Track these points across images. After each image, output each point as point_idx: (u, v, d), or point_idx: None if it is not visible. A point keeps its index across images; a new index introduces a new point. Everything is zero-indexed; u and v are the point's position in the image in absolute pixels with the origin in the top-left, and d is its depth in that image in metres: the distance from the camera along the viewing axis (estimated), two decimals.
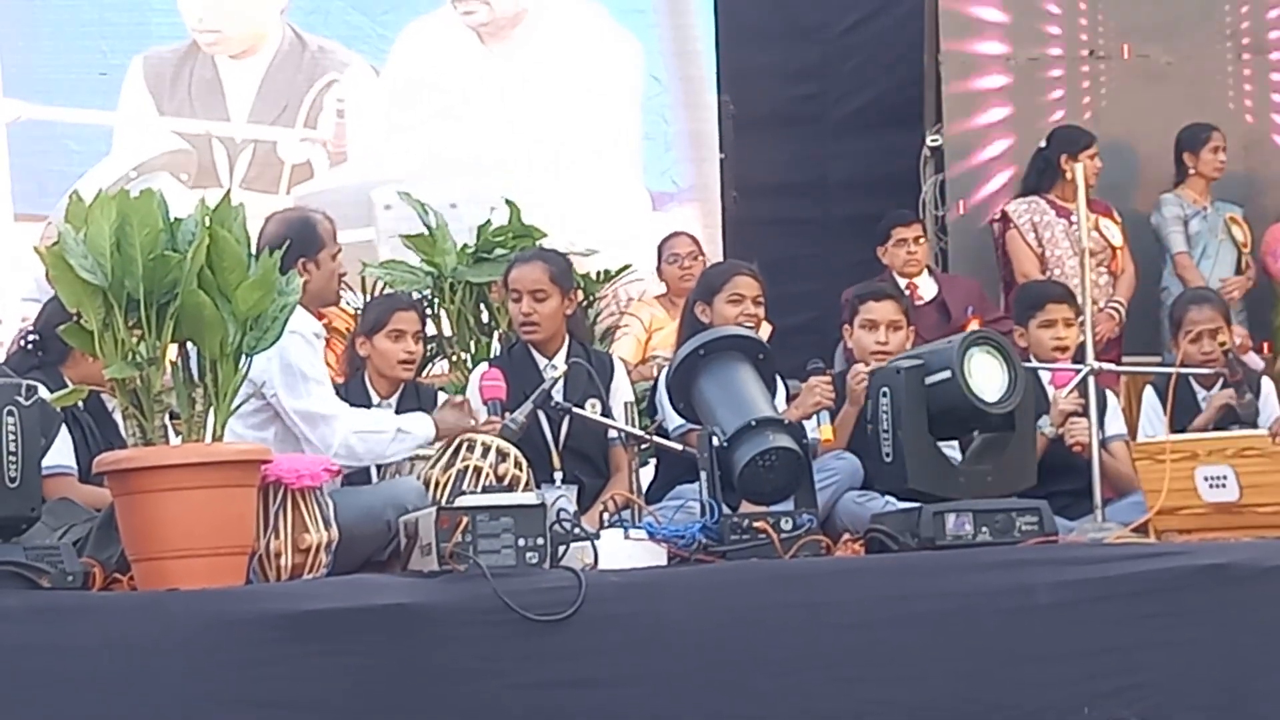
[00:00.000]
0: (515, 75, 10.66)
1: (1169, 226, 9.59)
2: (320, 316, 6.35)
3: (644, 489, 6.86)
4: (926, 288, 9.35)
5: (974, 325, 8.18)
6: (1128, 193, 10.01)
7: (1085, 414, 6.84)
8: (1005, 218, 9.53)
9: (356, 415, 6.21)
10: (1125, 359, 9.04)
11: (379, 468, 6.36)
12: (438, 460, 6.16)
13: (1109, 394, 7.44)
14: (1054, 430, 7.04)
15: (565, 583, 5.10)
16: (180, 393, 5.08)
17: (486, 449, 6.19)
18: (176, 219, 5.10)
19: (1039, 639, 5.31)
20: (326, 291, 6.37)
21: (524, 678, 5.03)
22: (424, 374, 7.81)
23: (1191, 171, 9.68)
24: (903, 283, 9.26)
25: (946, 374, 5.73)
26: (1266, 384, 7.69)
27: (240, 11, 10.49)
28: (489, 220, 8.63)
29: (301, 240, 6.08)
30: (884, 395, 5.68)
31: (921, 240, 9.40)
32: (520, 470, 6.21)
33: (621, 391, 7.03)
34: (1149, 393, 7.63)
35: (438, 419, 6.29)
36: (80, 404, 5.99)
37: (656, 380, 7.21)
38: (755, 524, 5.57)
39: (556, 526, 5.33)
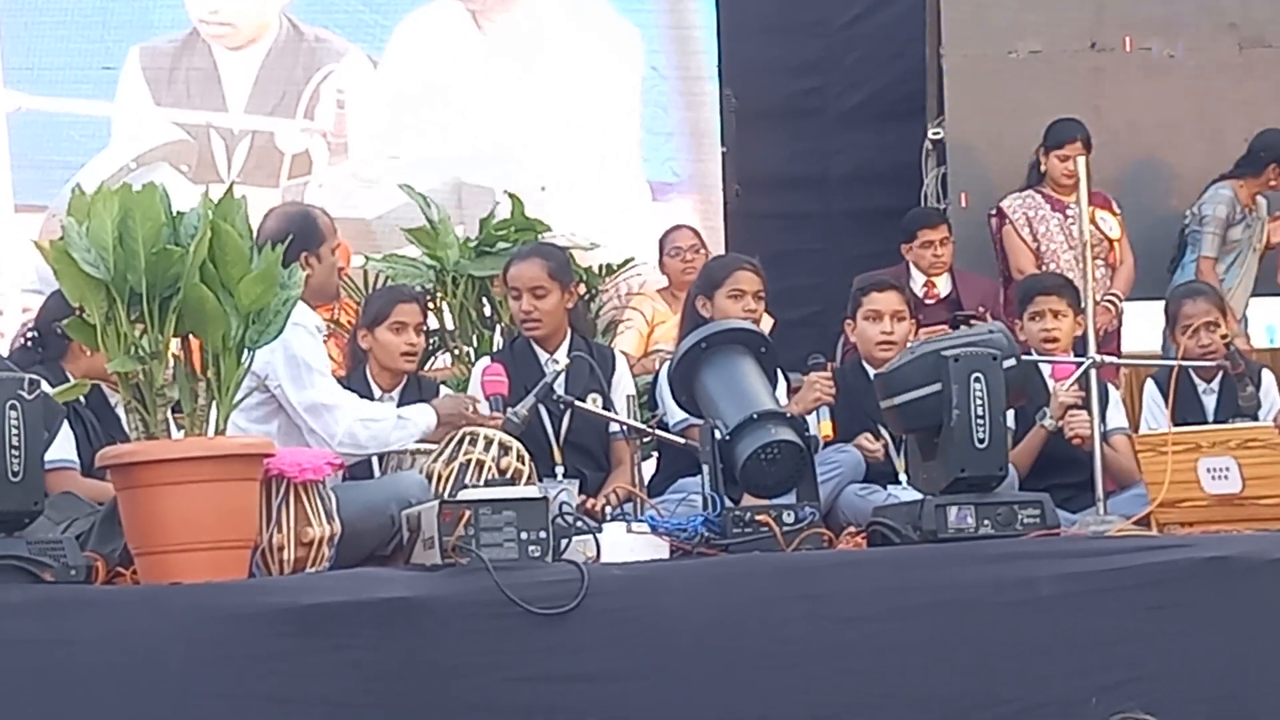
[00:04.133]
0: (514, 65, 10.66)
1: (1210, 225, 9.54)
2: (325, 310, 6.35)
3: (646, 482, 6.87)
4: (942, 283, 9.37)
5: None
6: (1130, 186, 10.02)
7: (1085, 407, 6.83)
8: (1001, 213, 9.53)
9: (359, 404, 6.23)
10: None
11: (381, 461, 6.37)
12: (440, 454, 6.16)
13: (1110, 387, 7.44)
14: (1054, 423, 7.04)
15: (567, 576, 5.09)
16: (183, 386, 5.08)
17: (489, 443, 6.18)
18: (179, 212, 5.10)
19: (1041, 632, 5.30)
20: (327, 286, 6.39)
21: (526, 671, 5.03)
22: (426, 368, 7.81)
23: (1271, 180, 9.62)
24: (921, 279, 9.28)
25: (1012, 360, 5.73)
26: (1267, 376, 7.69)
27: (249, 3, 10.48)
28: (491, 213, 8.64)
29: (303, 234, 6.09)
30: (977, 380, 5.63)
31: (948, 242, 9.41)
32: (522, 464, 6.21)
33: (623, 385, 7.03)
34: (1150, 386, 7.63)
35: (436, 405, 6.30)
36: (82, 398, 5.99)
37: (658, 374, 7.21)
38: (757, 517, 5.57)
39: (558, 520, 5.33)
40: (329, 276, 6.35)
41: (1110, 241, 9.44)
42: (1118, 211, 9.58)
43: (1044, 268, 9.20)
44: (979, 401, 5.60)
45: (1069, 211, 9.20)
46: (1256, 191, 9.68)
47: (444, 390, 7.03)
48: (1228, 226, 9.57)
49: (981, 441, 5.60)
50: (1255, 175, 9.62)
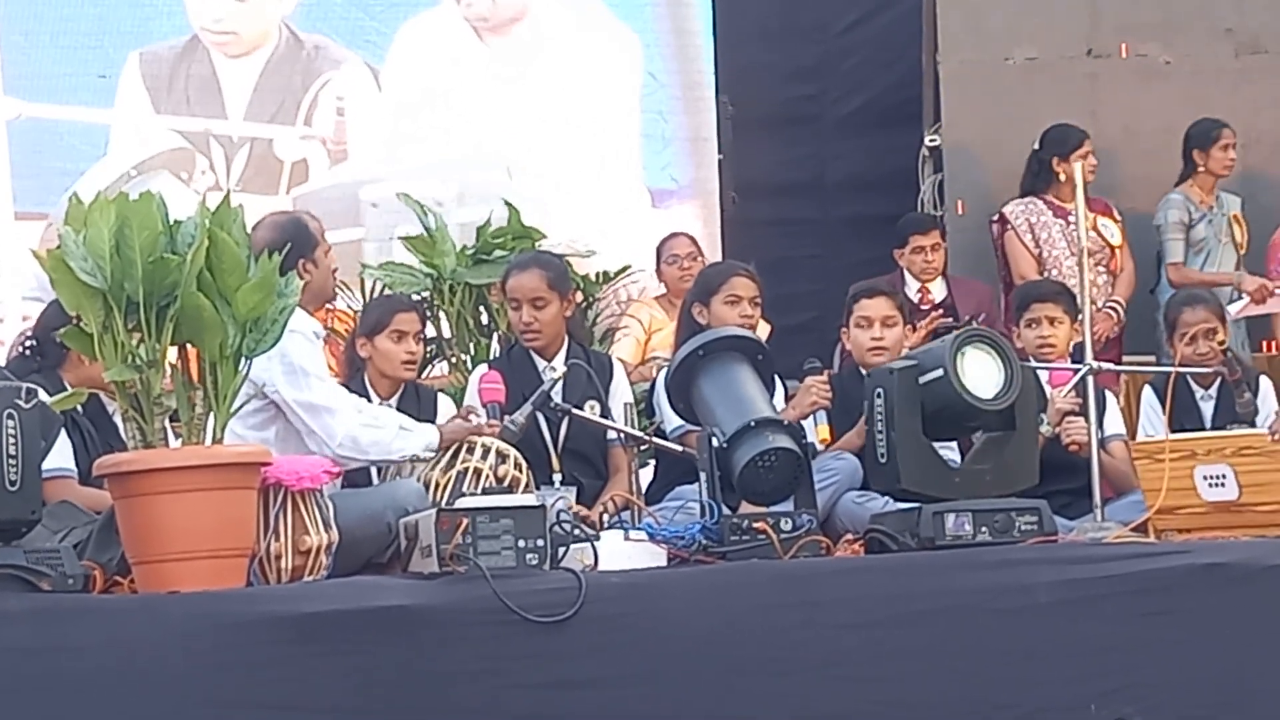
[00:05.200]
0: (513, 72, 10.66)
1: (1169, 233, 9.57)
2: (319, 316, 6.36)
3: (643, 490, 6.87)
4: (937, 290, 9.37)
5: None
6: (1128, 192, 10.01)
7: (1083, 413, 6.84)
8: (1003, 219, 9.53)
9: (359, 409, 6.22)
10: (1125, 359, 9.04)
11: (379, 470, 6.37)
12: (437, 462, 6.16)
13: (1108, 394, 7.44)
14: (1051, 429, 7.04)
15: (565, 584, 5.10)
16: (180, 395, 5.09)
17: (486, 451, 6.19)
18: (176, 221, 5.10)
19: (1038, 638, 5.31)
20: (325, 289, 6.43)
21: (524, 679, 5.03)
22: (424, 375, 7.81)
23: (1201, 169, 9.66)
24: (915, 285, 9.28)
25: (939, 372, 5.74)
26: (1265, 383, 7.69)
27: (252, 13, 10.48)
28: (488, 221, 8.63)
29: (299, 242, 6.09)
30: (878, 396, 5.69)
31: (939, 247, 9.41)
32: (520, 472, 6.21)
33: (621, 393, 7.03)
34: (1148, 392, 7.63)
35: (442, 429, 6.29)
36: (80, 407, 6.00)
37: (655, 381, 7.21)
38: (755, 524, 5.58)
39: (556, 528, 5.33)
40: (325, 280, 6.38)
41: (1112, 248, 9.45)
42: (1119, 218, 9.59)
43: (1046, 274, 9.19)
44: (878, 417, 5.65)
45: (1071, 218, 9.20)
46: (1209, 187, 9.67)
47: (442, 398, 7.03)
48: (1188, 228, 9.58)
49: (882, 457, 5.66)
50: (1191, 172, 9.66)
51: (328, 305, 7.47)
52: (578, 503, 6.58)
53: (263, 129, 10.42)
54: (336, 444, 5.98)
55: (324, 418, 6.02)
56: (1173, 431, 6.57)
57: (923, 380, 5.73)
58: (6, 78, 10.12)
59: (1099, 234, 9.30)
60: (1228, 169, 9.66)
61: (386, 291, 8.33)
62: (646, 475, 7.17)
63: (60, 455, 5.97)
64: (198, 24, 10.38)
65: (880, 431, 5.68)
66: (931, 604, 5.29)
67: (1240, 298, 9.29)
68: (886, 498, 6.45)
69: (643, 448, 6.89)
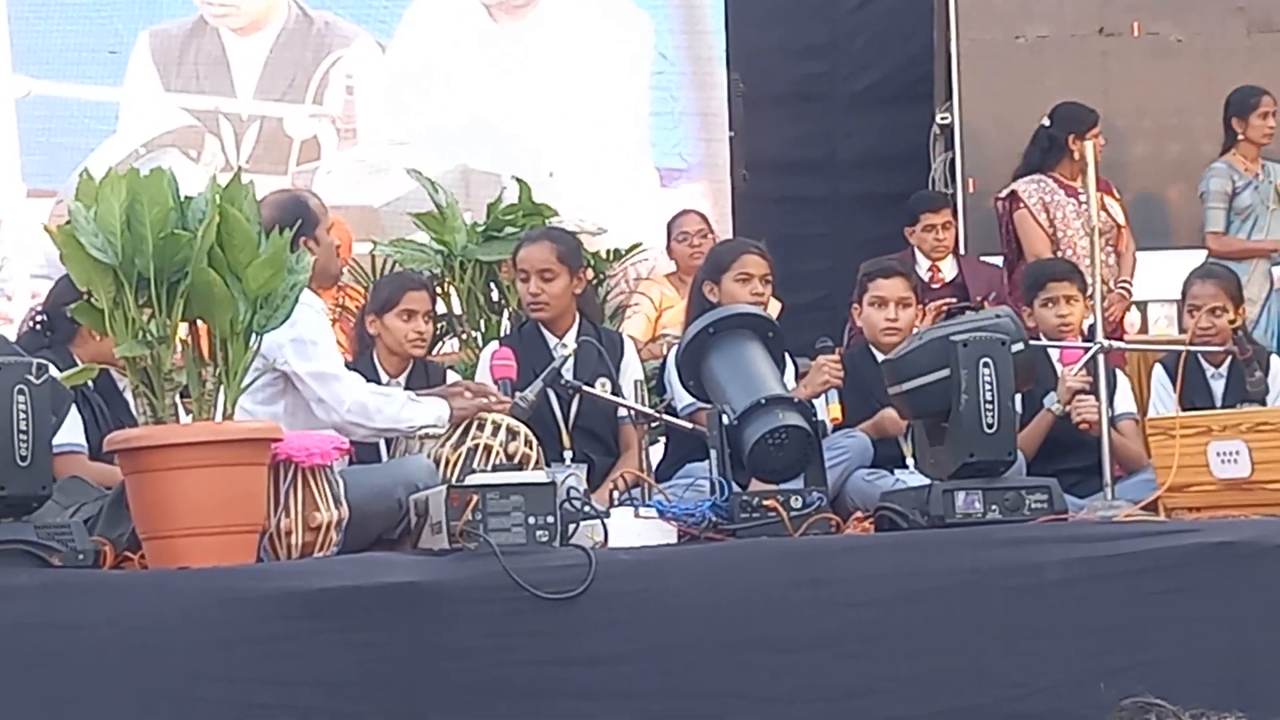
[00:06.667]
0: (524, 50, 10.65)
1: (1211, 201, 9.55)
2: (330, 295, 6.35)
3: (654, 467, 6.87)
4: (948, 269, 9.36)
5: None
6: (1138, 170, 10.00)
7: (1093, 392, 6.83)
8: (1014, 196, 9.50)
9: (367, 384, 6.23)
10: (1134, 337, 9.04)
11: (389, 446, 6.37)
12: (448, 438, 6.15)
13: (1119, 373, 7.44)
14: (1061, 408, 7.04)
15: (575, 561, 5.10)
16: (190, 371, 5.09)
17: (497, 427, 6.18)
18: (187, 197, 5.10)
19: (1048, 616, 5.31)
20: (329, 267, 6.42)
21: (533, 655, 5.03)
22: (434, 352, 7.81)
23: (1240, 138, 9.64)
24: (926, 264, 9.27)
25: (1020, 345, 5.75)
26: (1276, 362, 7.67)
27: None
28: (499, 198, 8.63)
29: (301, 220, 6.08)
30: (985, 365, 5.63)
31: (950, 226, 9.40)
32: (530, 448, 6.21)
33: (631, 370, 7.03)
34: (1158, 371, 7.61)
35: (453, 404, 6.28)
36: (91, 383, 6.00)
37: (666, 358, 7.21)
38: (765, 502, 5.57)
39: (566, 505, 5.33)
40: (329, 258, 6.37)
41: (1119, 227, 9.44)
42: (1119, 196, 9.58)
43: (1060, 253, 9.18)
44: (987, 386, 5.61)
45: (1080, 196, 9.19)
46: (1253, 155, 9.65)
47: (451, 374, 7.03)
48: (1232, 196, 9.56)
49: (990, 426, 5.61)
50: (1233, 141, 9.64)
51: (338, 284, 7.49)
52: (588, 480, 6.58)
53: (272, 107, 10.40)
54: (345, 410, 5.96)
55: (332, 385, 6.01)
56: (1183, 410, 6.57)
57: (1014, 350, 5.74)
58: (16, 54, 10.11)
59: (1107, 213, 9.29)
60: (1268, 136, 9.62)
61: (397, 268, 8.34)
62: (657, 452, 7.17)
63: (71, 430, 5.96)
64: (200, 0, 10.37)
65: (990, 401, 5.63)
66: (941, 582, 5.28)
67: None
68: (898, 475, 6.46)
69: (653, 425, 6.88)
